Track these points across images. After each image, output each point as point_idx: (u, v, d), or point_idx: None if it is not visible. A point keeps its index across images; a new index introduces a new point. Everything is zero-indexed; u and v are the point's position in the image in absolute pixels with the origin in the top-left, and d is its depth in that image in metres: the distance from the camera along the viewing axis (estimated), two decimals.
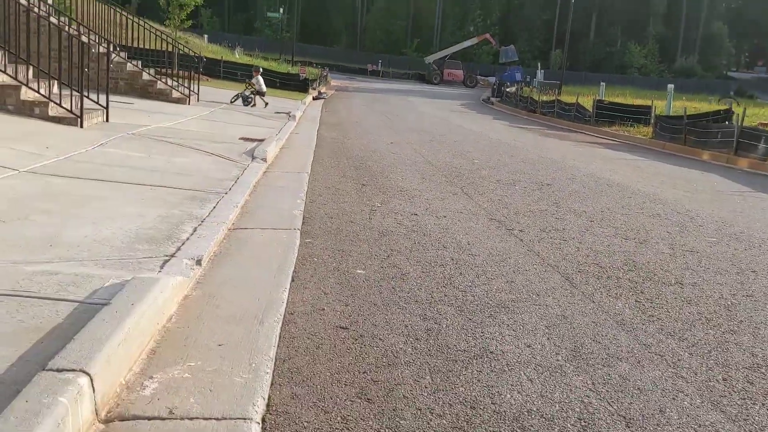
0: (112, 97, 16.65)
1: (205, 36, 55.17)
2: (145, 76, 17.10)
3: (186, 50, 20.94)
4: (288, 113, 18.21)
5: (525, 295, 4.43)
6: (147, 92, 17.01)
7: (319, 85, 36.22)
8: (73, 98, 9.67)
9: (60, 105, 9.48)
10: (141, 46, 18.99)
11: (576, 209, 7.84)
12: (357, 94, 37.83)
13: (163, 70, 18.66)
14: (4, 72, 9.21)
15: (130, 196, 5.87)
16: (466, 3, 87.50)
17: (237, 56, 42.96)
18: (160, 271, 3.86)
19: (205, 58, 30.94)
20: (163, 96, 17.08)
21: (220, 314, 3.52)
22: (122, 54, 17.25)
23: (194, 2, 26.96)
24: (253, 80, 20.70)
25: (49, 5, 16.54)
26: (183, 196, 6.13)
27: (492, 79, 66.30)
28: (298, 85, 31.94)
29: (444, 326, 3.73)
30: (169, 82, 17.56)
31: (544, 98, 32.75)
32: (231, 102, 19.64)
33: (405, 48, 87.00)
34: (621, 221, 7.33)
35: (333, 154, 11.45)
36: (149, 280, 3.45)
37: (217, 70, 30.94)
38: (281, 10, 62.54)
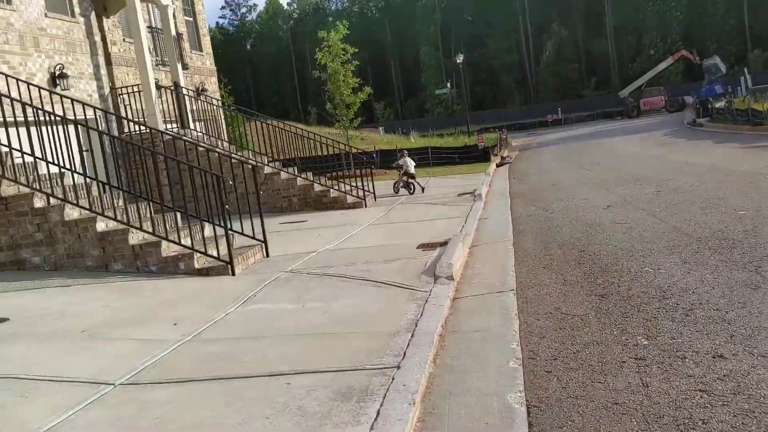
0: (284, 217, 15.81)
1: (380, 128, 56.15)
2: (317, 187, 15.92)
3: (355, 149, 19.86)
4: (472, 192, 15.91)
5: None
6: (321, 203, 15.77)
7: (500, 149, 33.86)
8: (221, 240, 8.20)
9: (206, 254, 7.99)
10: (314, 154, 18.17)
11: None
12: (543, 150, 34.78)
13: (336, 174, 17.48)
14: (141, 229, 7.95)
15: (250, 413, 3.74)
16: (639, 29, 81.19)
17: (412, 140, 42.31)
18: None
19: (380, 151, 30.23)
20: (338, 204, 15.72)
21: None
22: (290, 169, 16.32)
23: (359, 99, 26.38)
24: (401, 162, 18.89)
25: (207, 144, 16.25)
26: (331, 394, 3.89)
27: (689, 99, 59.25)
28: (478, 156, 29.79)
29: None
30: (343, 187, 16.25)
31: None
32: (396, 193, 17.95)
33: (583, 90, 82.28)
34: None
35: (538, 243, 8.77)
36: None
37: (393, 161, 29.89)
38: (448, 85, 62.03)
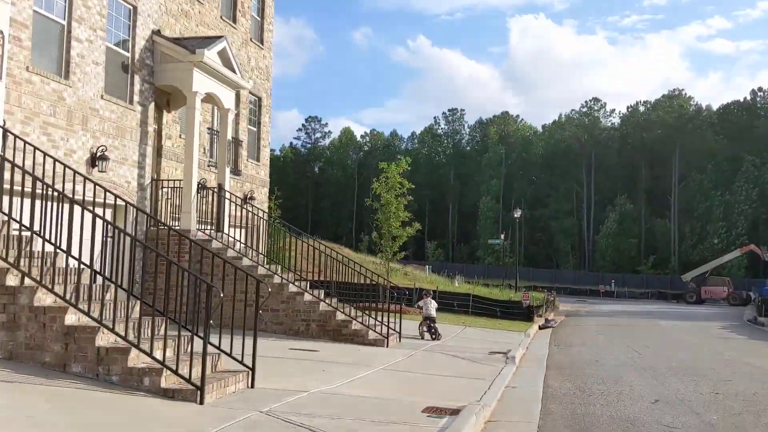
0: (297, 342, 14.54)
1: (427, 267, 55.28)
2: (340, 316, 14.82)
3: (391, 283, 18.86)
4: (506, 353, 14.45)
5: None
6: (340, 334, 14.59)
7: (545, 311, 32.19)
8: (210, 357, 7.11)
9: (176, 372, 6.88)
10: (349, 280, 17.22)
11: None
12: (591, 320, 32.87)
13: (365, 306, 16.31)
14: (112, 330, 6.96)
15: None
16: (705, 216, 79.99)
17: (456, 285, 41.11)
18: None
19: (419, 289, 29.11)
20: (358, 338, 14.51)
21: None
22: (316, 292, 15.35)
23: (406, 233, 25.77)
24: (421, 303, 17.71)
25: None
26: None
27: (751, 295, 56.62)
28: (521, 314, 28.23)
29: None
30: (368, 321, 15.09)
31: None
32: (421, 337, 16.65)
33: (639, 266, 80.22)
34: None
35: None
36: None
37: None
38: (502, 236, 61.46)
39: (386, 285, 17.51)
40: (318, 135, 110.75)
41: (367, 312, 15.44)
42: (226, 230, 16.44)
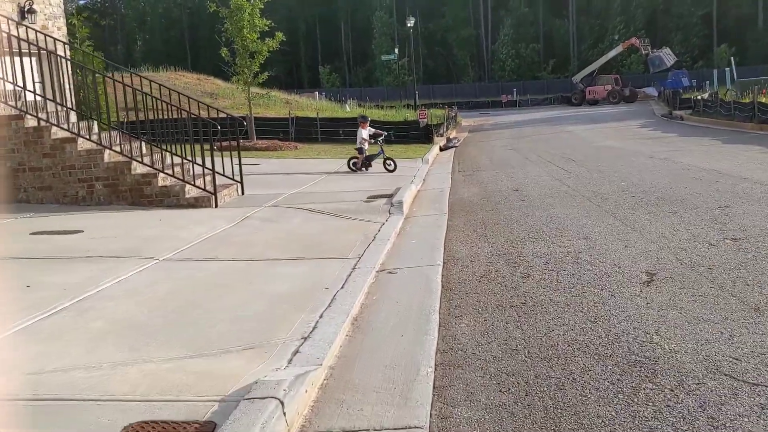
0: (57, 219, 9.39)
1: (317, 93, 49.47)
2: (140, 169, 9.69)
3: (224, 112, 13.60)
4: (390, 196, 9.99)
5: None
6: (143, 195, 9.56)
7: (447, 129, 28.06)
8: None
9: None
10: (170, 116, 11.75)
11: None
12: (497, 133, 29.12)
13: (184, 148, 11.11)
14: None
15: None
16: (604, 12, 76.59)
17: (348, 110, 36.04)
18: None
19: (294, 118, 23.97)
20: (171, 198, 9.56)
21: None
22: (106, 135, 9.97)
23: (268, 48, 19.95)
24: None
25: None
26: None
27: (651, 90, 54.95)
28: (419, 135, 23.94)
29: None
30: (194, 170, 10.07)
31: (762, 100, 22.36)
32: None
33: (539, 72, 77.29)
34: None
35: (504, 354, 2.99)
36: None
37: (313, 132, 23.73)
38: (396, 51, 55.69)
39: (231, 117, 12.28)
40: None
41: (190, 159, 10.30)
42: None
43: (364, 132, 14.55)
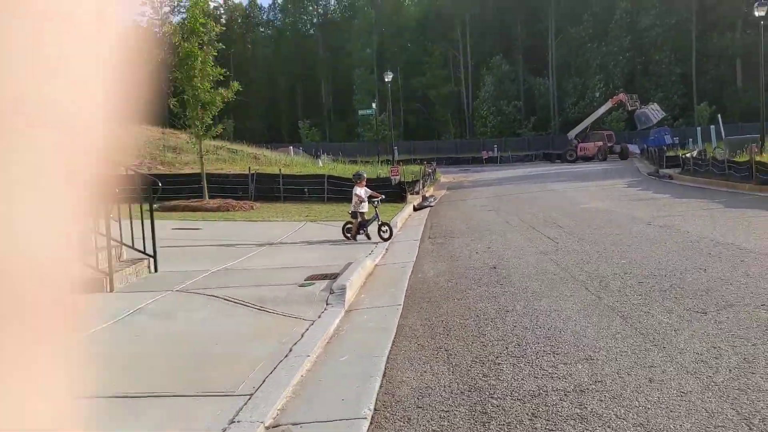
0: None
1: (291, 148, 47.89)
2: None
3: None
4: (333, 278, 7.88)
5: None
6: None
7: (423, 186, 26.25)
8: None
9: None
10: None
11: None
12: (477, 192, 27.34)
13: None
14: None
15: None
16: (583, 71, 76.88)
17: (320, 165, 34.29)
18: None
19: (254, 174, 22.03)
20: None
21: None
22: None
23: (221, 99, 18.14)
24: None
25: None
26: None
27: (633, 148, 54.14)
28: (391, 194, 22.03)
29: None
30: (95, 242, 7.97)
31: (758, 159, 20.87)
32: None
33: (520, 128, 76.76)
34: None
35: None
36: None
37: (275, 190, 21.76)
38: (374, 105, 54.60)
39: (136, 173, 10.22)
40: (166, 9, 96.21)
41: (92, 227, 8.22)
42: None
43: (361, 191, 12.29)
